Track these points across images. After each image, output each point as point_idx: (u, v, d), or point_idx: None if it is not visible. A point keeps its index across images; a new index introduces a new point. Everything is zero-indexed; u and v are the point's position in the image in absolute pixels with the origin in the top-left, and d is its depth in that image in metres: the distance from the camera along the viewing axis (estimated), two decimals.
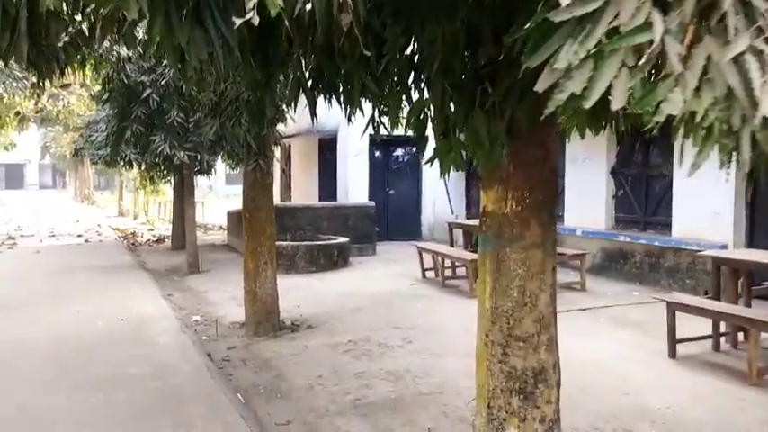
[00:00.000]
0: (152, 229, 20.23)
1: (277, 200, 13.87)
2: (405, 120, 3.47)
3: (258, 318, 6.87)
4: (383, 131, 3.96)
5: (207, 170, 13.64)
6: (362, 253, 12.36)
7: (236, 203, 29.41)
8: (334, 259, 11.00)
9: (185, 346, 6.23)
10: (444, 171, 3.01)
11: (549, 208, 2.93)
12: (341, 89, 3.84)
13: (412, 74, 3.29)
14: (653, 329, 6.56)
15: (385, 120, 4.27)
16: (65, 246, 15.36)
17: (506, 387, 2.86)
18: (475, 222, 10.42)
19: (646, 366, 5.45)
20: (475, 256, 8.99)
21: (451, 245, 10.17)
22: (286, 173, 18.05)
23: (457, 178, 14.17)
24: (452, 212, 13.88)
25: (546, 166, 2.91)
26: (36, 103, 19.63)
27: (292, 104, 3.67)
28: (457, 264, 9.45)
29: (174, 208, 15.68)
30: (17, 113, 19.32)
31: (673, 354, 5.64)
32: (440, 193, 14.42)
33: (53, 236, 17.66)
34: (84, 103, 18.75)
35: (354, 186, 14.16)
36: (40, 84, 7.65)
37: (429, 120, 3.29)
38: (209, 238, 17.01)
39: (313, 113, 4.16)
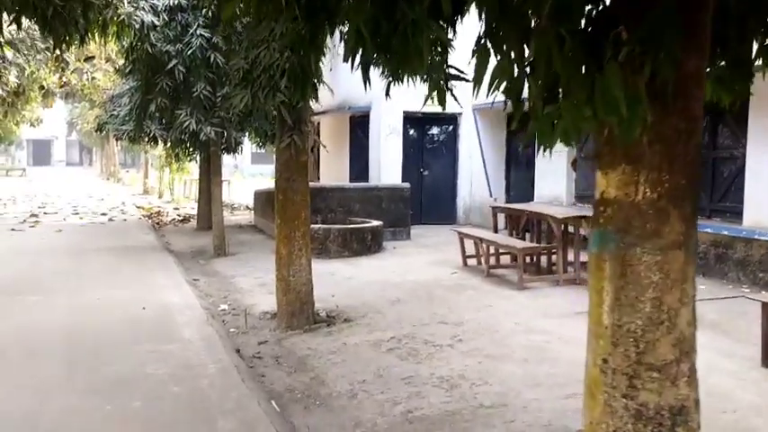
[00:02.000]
0: (177, 208, 19.79)
1: None
2: (490, 83, 2.76)
3: (291, 309, 6.25)
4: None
5: (234, 148, 13.05)
6: (396, 237, 11.70)
7: (263, 183, 29.09)
8: (367, 244, 10.36)
9: (212, 340, 5.63)
10: (550, 146, 2.31)
11: (693, 196, 2.22)
12: (397, 48, 3.18)
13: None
14: (734, 331, 5.84)
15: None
16: (88, 224, 14.92)
17: (634, 430, 2.18)
18: (521, 206, 9.73)
19: (739, 378, 4.74)
20: (525, 244, 8.30)
21: (495, 230, 9.44)
22: (314, 151, 17.39)
23: (496, 157, 13.41)
24: (491, 195, 13.14)
25: (691, 142, 2.20)
26: (60, 77, 19.21)
27: (349, 63, 3.00)
28: (501, 251, 8.76)
29: (199, 187, 15.17)
30: (41, 87, 18.90)
31: (767, 363, 4.91)
32: (477, 175, 13.69)
33: (76, 214, 17.25)
34: (110, 78, 18.28)
35: (387, 167, 13.47)
36: (58, 50, 7.07)
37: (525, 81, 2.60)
38: (236, 219, 16.49)
39: (366, 77, 3.50)
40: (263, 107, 6.06)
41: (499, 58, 2.65)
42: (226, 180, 19.23)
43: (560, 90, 2.34)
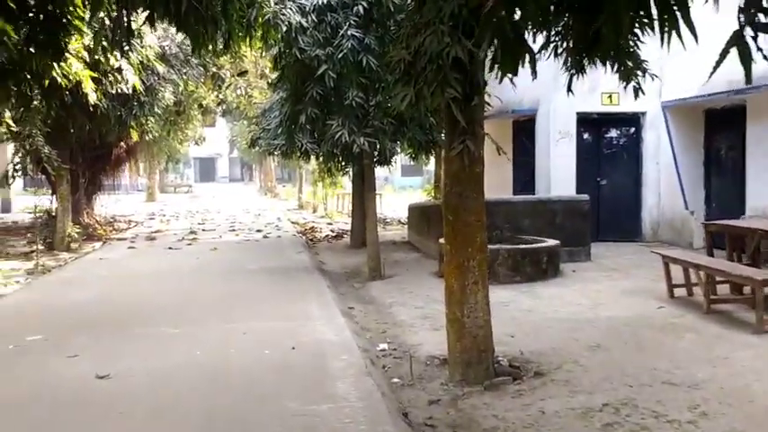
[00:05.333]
0: (330, 224, 19.34)
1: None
2: None
3: (467, 357, 5.00)
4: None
5: (387, 160, 12.15)
6: (573, 258, 10.08)
7: (414, 196, 28.32)
8: (542, 267, 8.89)
9: (373, 398, 4.50)
10: None
11: None
12: None
13: None
14: None
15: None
16: (242, 242, 14.65)
17: None
18: (753, 223, 7.82)
19: None
20: (766, 274, 6.45)
21: (709, 253, 7.62)
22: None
23: (691, 163, 11.38)
24: (686, 207, 11.14)
25: None
26: (217, 95, 19.52)
27: None
28: (718, 279, 6.95)
29: (352, 202, 14.45)
30: (200, 106, 19.30)
31: None
32: (667, 183, 11.72)
33: (233, 230, 17.21)
34: (265, 96, 18.26)
35: (558, 176, 11.90)
36: (197, 51, 6.37)
37: None
38: (389, 234, 15.62)
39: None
40: (430, 106, 4.89)
41: None
42: (377, 193, 18.55)
43: None
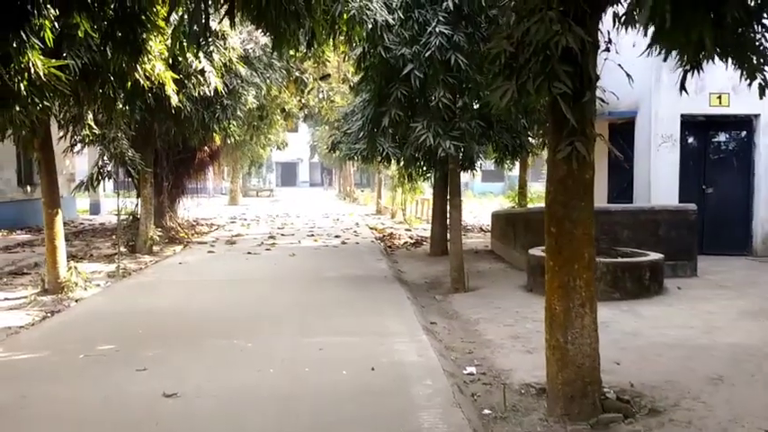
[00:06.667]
0: (409, 230, 18.87)
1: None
2: None
3: (570, 390, 4.38)
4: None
5: (473, 164, 11.55)
6: (677, 273, 9.20)
7: (495, 203, 27.41)
8: (644, 283, 8.08)
9: None
10: None
11: None
12: None
13: None
14: None
15: None
16: (321, 248, 14.37)
17: None
18: None
19: None
20: None
21: None
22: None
23: None
24: None
25: None
26: (299, 100, 19.43)
27: None
28: None
29: (433, 208, 13.92)
30: (282, 110, 19.25)
31: None
32: None
33: (311, 236, 16.99)
34: (347, 100, 18.04)
35: (659, 183, 10.99)
36: (278, 50, 6.01)
37: None
38: (470, 242, 15.00)
39: None
40: (536, 103, 4.32)
41: None
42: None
43: None
